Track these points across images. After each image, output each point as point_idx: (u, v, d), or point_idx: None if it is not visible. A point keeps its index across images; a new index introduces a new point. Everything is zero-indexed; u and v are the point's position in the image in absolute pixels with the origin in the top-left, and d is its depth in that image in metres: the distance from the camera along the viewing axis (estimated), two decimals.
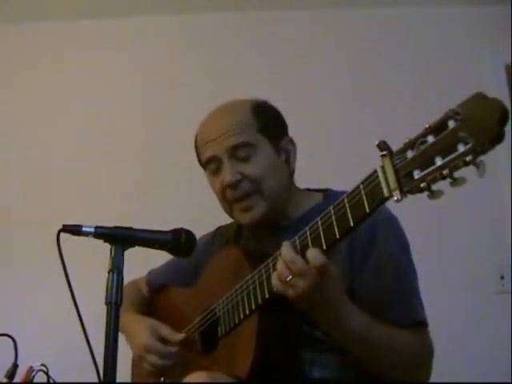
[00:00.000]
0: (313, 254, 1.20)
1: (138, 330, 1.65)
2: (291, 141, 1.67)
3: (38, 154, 2.95)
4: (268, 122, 1.63)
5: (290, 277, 1.20)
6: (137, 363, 1.73)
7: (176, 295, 1.81)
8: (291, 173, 1.65)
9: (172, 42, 3.11)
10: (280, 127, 1.67)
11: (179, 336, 1.62)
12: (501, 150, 2.78)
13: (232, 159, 1.57)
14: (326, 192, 1.63)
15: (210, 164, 1.62)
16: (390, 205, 1.14)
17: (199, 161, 1.71)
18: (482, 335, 2.68)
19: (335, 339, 1.33)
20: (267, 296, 1.37)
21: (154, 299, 1.87)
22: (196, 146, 1.71)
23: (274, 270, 1.35)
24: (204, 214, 2.52)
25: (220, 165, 1.59)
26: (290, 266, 1.21)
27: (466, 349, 2.64)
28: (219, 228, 1.85)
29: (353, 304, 1.29)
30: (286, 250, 1.24)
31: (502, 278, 2.83)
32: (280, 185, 1.59)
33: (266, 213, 1.56)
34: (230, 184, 1.56)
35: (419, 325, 1.43)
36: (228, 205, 1.61)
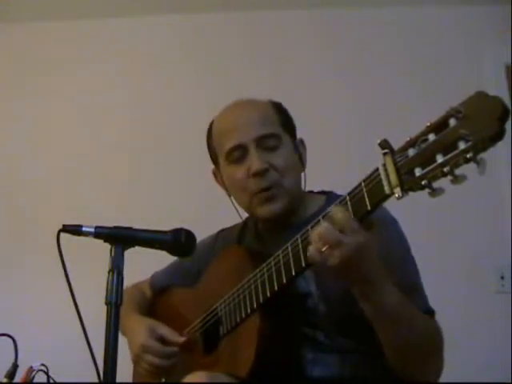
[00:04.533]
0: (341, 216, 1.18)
1: (137, 330, 1.65)
2: (302, 142, 1.68)
3: (37, 153, 2.96)
4: (286, 119, 1.65)
5: (326, 247, 1.16)
6: (136, 363, 1.73)
7: (179, 296, 1.80)
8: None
9: (170, 42, 3.11)
10: (294, 127, 1.67)
11: (180, 339, 1.61)
12: (501, 150, 2.78)
13: (259, 149, 1.54)
14: (328, 195, 1.63)
15: (232, 153, 1.58)
16: (391, 203, 1.14)
17: (212, 150, 1.68)
18: (482, 335, 2.67)
19: (367, 315, 1.27)
20: (269, 295, 1.37)
21: (157, 301, 1.86)
22: (211, 137, 1.68)
23: (276, 268, 1.36)
24: (204, 214, 2.54)
25: (245, 154, 1.55)
26: (324, 235, 1.17)
27: (466, 349, 2.64)
28: (222, 230, 1.84)
29: (388, 279, 1.25)
30: (322, 223, 1.21)
31: (502, 278, 2.83)
32: (297, 182, 1.59)
33: (286, 207, 1.54)
34: (259, 172, 1.52)
35: (430, 313, 1.42)
36: (249, 196, 1.57)
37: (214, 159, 1.69)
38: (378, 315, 1.26)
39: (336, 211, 1.18)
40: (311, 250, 1.20)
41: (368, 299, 1.23)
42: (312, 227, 1.27)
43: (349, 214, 1.17)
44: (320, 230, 1.17)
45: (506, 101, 0.93)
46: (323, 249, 1.16)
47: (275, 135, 1.57)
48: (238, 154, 1.57)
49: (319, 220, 1.25)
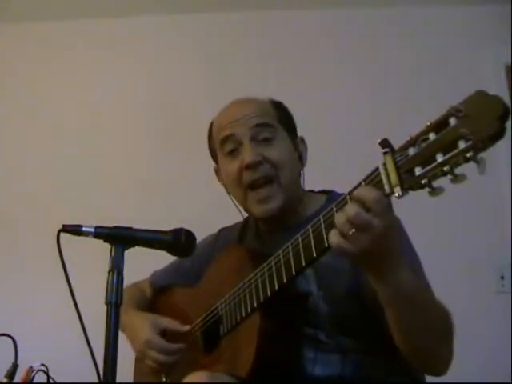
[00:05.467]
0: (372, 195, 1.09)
1: (140, 326, 1.65)
2: (303, 140, 1.68)
3: (37, 153, 2.96)
4: (285, 116, 1.65)
5: (353, 230, 1.09)
6: (139, 360, 1.73)
7: (179, 295, 1.81)
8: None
9: (172, 41, 3.11)
10: (294, 125, 1.68)
11: (183, 328, 1.63)
12: (501, 149, 2.78)
13: (253, 142, 1.55)
14: (329, 194, 1.63)
15: (226, 143, 1.59)
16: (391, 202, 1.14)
17: (212, 148, 1.69)
18: (482, 335, 2.67)
19: (385, 296, 1.20)
20: (269, 294, 1.37)
21: (157, 300, 1.87)
22: (210, 133, 1.69)
23: (276, 268, 1.36)
24: (204, 214, 2.54)
25: (239, 147, 1.56)
26: (353, 218, 1.08)
27: (466, 349, 2.63)
28: (222, 229, 1.84)
29: (405, 260, 1.19)
30: (351, 205, 1.11)
31: (502, 278, 2.83)
32: (295, 179, 1.59)
33: (283, 206, 1.54)
34: (251, 164, 1.52)
35: None
36: (243, 191, 1.57)
37: (214, 157, 1.70)
38: (396, 297, 1.18)
39: (364, 190, 1.10)
40: (333, 234, 1.12)
41: (387, 281, 1.16)
42: (312, 226, 1.27)
43: (379, 192, 1.08)
44: (348, 212, 1.09)
45: (506, 101, 0.93)
46: (350, 232, 1.09)
47: (270, 125, 1.57)
48: (232, 145, 1.58)
49: (319, 219, 1.25)
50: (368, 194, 1.09)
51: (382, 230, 1.09)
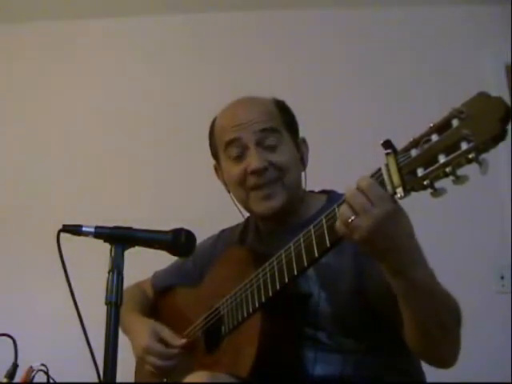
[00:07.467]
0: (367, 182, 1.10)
1: (140, 332, 1.65)
2: (305, 141, 1.68)
3: (37, 153, 2.95)
4: (289, 117, 1.65)
5: (353, 217, 1.10)
6: (140, 364, 1.74)
7: (181, 296, 1.81)
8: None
9: (173, 41, 3.11)
10: (297, 127, 1.68)
11: (180, 341, 1.62)
12: (501, 150, 2.78)
13: (259, 147, 1.55)
14: (329, 194, 1.63)
15: (231, 147, 1.58)
16: None
17: (213, 146, 1.69)
18: (482, 335, 2.67)
19: (402, 291, 1.19)
20: (271, 295, 1.38)
21: (158, 300, 1.87)
22: (213, 132, 1.68)
23: (278, 268, 1.36)
24: (204, 214, 2.54)
25: (244, 151, 1.56)
26: (350, 203, 1.10)
27: (466, 349, 2.63)
28: (223, 231, 1.84)
29: (421, 251, 1.20)
30: (350, 189, 1.12)
31: (502, 278, 2.83)
32: (297, 180, 1.59)
33: (285, 204, 1.54)
34: (257, 170, 1.52)
35: None
36: (245, 192, 1.57)
37: (215, 155, 1.69)
38: (410, 290, 1.17)
39: (361, 179, 1.11)
40: (338, 222, 1.14)
41: (400, 273, 1.15)
42: (314, 227, 1.27)
43: (374, 181, 1.09)
44: (346, 194, 1.11)
45: (506, 100, 0.93)
46: (350, 219, 1.10)
47: (276, 130, 1.57)
48: (237, 150, 1.57)
49: (322, 219, 1.25)
50: (362, 179, 1.10)
51: (383, 216, 1.08)
